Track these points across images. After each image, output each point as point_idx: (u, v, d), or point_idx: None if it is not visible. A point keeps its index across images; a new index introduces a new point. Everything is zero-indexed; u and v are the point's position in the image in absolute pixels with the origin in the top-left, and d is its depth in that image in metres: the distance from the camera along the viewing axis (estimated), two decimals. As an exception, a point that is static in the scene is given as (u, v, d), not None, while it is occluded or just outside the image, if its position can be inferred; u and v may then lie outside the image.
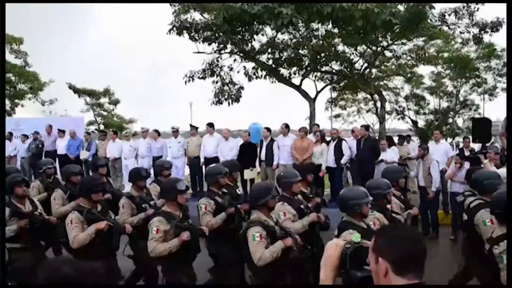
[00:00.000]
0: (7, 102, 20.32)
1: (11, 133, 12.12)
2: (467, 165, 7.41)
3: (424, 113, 20.99)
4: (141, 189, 5.16)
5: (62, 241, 4.98)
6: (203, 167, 9.69)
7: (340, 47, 13.39)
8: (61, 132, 11.51)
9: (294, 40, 13.10)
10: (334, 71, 14.58)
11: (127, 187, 9.99)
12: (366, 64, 13.86)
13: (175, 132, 10.34)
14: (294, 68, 13.71)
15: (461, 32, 12.44)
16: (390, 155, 8.94)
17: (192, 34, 12.32)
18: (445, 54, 18.00)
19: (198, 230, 4.12)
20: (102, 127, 22.42)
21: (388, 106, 18.97)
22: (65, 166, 6.24)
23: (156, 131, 10.60)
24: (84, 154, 10.97)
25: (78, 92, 22.71)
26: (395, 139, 10.93)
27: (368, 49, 13.04)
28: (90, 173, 11.21)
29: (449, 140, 18.36)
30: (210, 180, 4.93)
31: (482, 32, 11.74)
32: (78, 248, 3.94)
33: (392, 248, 1.52)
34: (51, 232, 4.67)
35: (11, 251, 4.38)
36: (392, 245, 1.52)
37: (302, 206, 4.48)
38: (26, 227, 4.39)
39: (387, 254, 1.52)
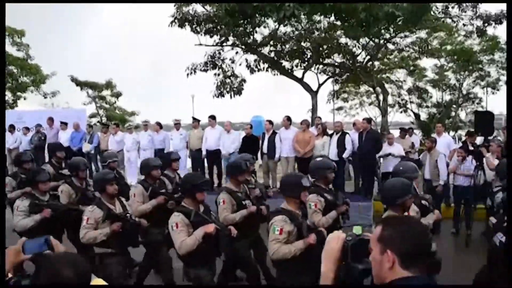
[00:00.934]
0: (9, 94, 20.35)
1: (13, 126, 12.13)
2: (469, 158, 7.40)
3: (427, 106, 20.92)
4: (240, 184, 4.66)
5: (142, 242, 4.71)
6: (205, 159, 9.69)
7: (343, 40, 13.37)
8: (63, 124, 11.52)
9: (296, 33, 13.08)
10: (336, 63, 14.55)
11: (129, 180, 10.04)
12: (368, 57, 13.82)
13: (177, 124, 10.34)
14: (296, 61, 13.70)
15: (464, 25, 12.39)
16: (398, 148, 8.83)
17: (194, 26, 12.29)
18: (448, 47, 17.91)
19: (320, 233, 3.60)
20: (104, 119, 22.44)
21: (390, 99, 18.91)
22: (144, 159, 5.72)
23: (158, 123, 10.60)
24: (86, 147, 10.98)
25: (80, 84, 22.72)
26: (397, 132, 10.89)
27: (371, 42, 12.98)
28: (93, 166, 11.30)
29: (452, 133, 18.32)
30: (319, 175, 4.39)
31: (486, 24, 11.68)
32: (184, 254, 3.59)
33: (403, 241, 1.49)
34: (137, 235, 4.32)
35: (102, 257, 4.04)
36: (403, 238, 1.49)
37: (423, 202, 4.18)
38: (119, 231, 4.01)
39: (396, 246, 1.49)
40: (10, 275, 2.06)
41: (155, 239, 4.65)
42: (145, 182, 5.08)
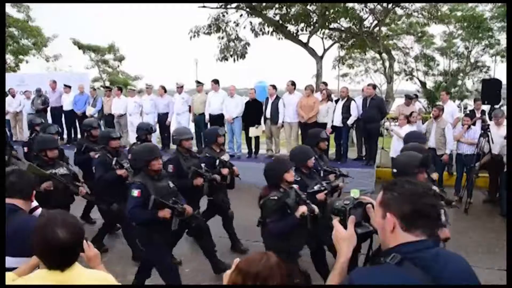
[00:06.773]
0: (11, 57, 20.13)
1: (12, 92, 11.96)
2: (478, 125, 7.34)
3: (433, 74, 20.62)
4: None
5: None
6: (208, 124, 9.67)
7: (350, 4, 12.96)
8: (67, 87, 11.41)
9: (302, -5, 12.67)
10: (342, 28, 14.19)
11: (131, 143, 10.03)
12: (376, 22, 13.46)
13: (180, 88, 10.21)
14: (302, 25, 13.34)
15: (476, -11, 11.97)
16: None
17: (197, -13, 11.95)
18: (459, 13, 17.42)
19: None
20: (107, 83, 22.30)
21: (396, 66, 18.61)
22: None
23: (163, 87, 10.48)
24: (90, 110, 10.93)
25: (83, 48, 22.43)
26: (402, 99, 10.69)
27: (379, 6, 12.61)
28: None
29: (457, 102, 18.12)
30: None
31: (499, -12, 11.28)
32: None
33: (401, 203, 1.45)
34: None
35: None
36: (401, 200, 1.46)
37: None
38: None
39: (395, 209, 1.46)
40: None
41: None
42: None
